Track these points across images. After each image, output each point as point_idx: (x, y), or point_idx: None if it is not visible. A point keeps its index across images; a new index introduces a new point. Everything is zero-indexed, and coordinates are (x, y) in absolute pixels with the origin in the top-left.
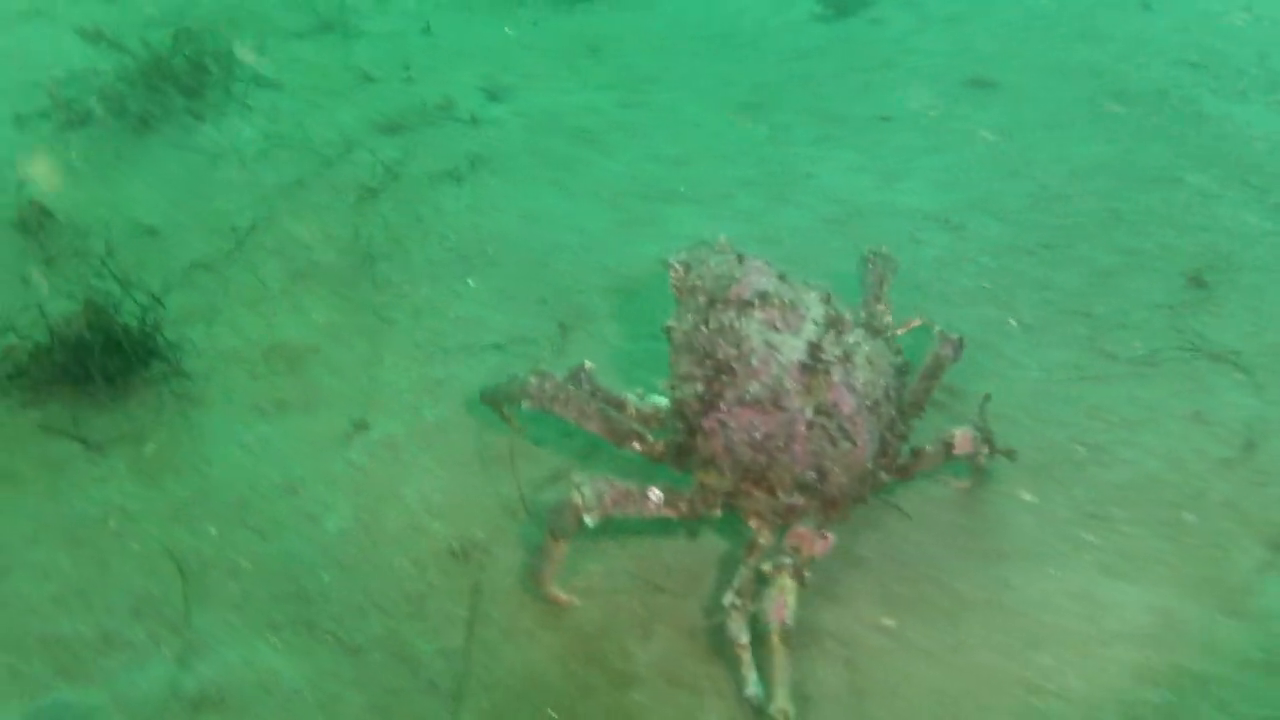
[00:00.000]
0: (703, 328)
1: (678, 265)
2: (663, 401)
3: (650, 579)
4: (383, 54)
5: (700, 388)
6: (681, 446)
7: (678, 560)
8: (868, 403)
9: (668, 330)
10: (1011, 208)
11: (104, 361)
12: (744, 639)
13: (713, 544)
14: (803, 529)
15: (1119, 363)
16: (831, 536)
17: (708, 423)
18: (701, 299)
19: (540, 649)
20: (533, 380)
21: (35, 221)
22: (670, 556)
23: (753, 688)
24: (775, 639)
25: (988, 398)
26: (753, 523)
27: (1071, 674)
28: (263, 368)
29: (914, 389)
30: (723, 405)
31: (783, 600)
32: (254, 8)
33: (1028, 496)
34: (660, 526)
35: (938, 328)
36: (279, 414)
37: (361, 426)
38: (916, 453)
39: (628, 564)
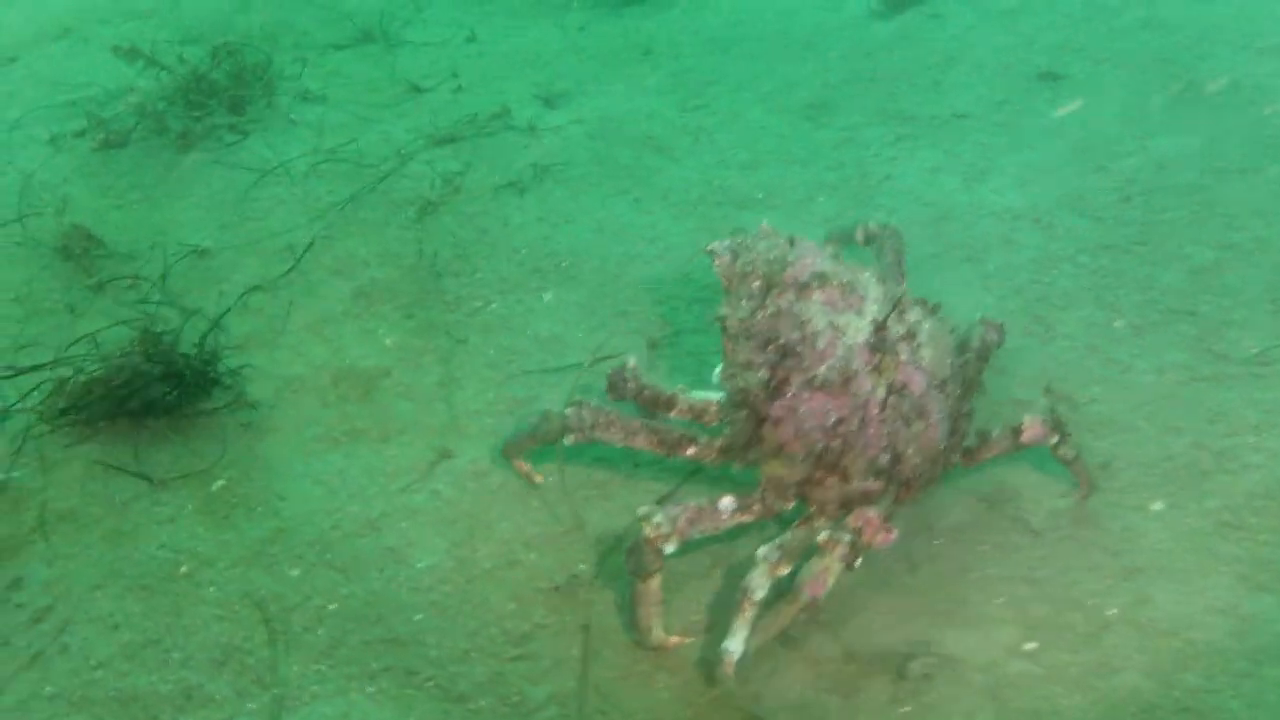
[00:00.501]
0: (760, 313)
1: (723, 252)
2: (713, 395)
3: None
4: (428, 64)
5: (764, 374)
6: (748, 439)
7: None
8: (935, 381)
9: (720, 319)
10: (1100, 204)
11: (163, 392)
12: (758, 596)
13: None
14: (871, 513)
15: (1232, 363)
16: (895, 531)
17: (776, 410)
18: (755, 284)
19: (661, 691)
20: (570, 413)
21: (80, 246)
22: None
23: (735, 643)
24: (794, 607)
25: (1049, 388)
26: (813, 508)
27: (1228, 695)
28: (332, 395)
29: (969, 384)
30: (790, 391)
31: (824, 578)
32: (289, 21)
33: (1157, 506)
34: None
35: (980, 315)
36: (353, 444)
37: (444, 454)
38: (983, 437)
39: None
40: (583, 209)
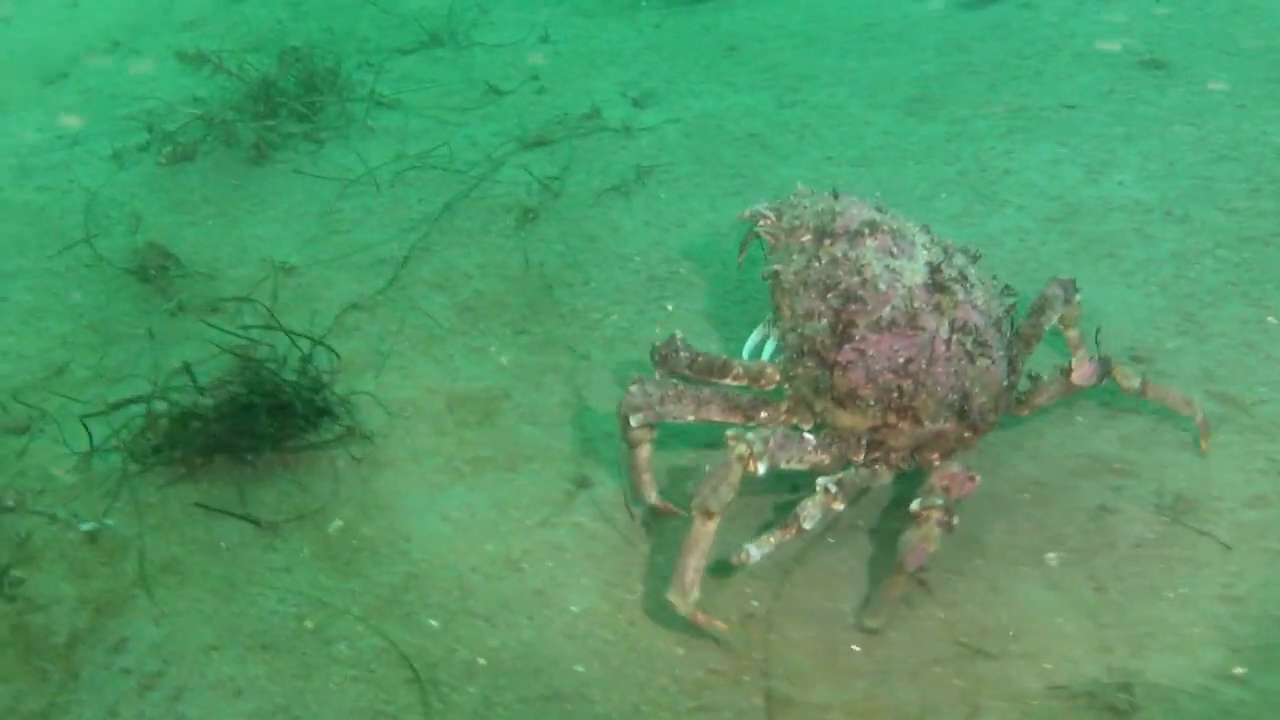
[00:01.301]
0: (816, 263)
1: (768, 212)
2: (764, 355)
3: (967, 640)
4: (503, 65)
5: (829, 320)
6: (816, 389)
7: (987, 613)
8: (991, 320)
9: (773, 274)
10: (1232, 194)
11: (266, 424)
12: (808, 525)
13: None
14: (954, 469)
15: None
16: (978, 477)
17: (844, 355)
18: (806, 238)
19: None
20: (634, 390)
21: (156, 266)
22: (977, 609)
23: (756, 548)
24: (902, 577)
25: (1100, 329)
26: (879, 453)
27: None
28: (449, 421)
29: (1023, 326)
30: (857, 334)
31: (925, 546)
32: (349, 27)
33: None
34: None
35: (1052, 278)
36: (478, 475)
37: (581, 483)
38: (1035, 381)
39: (938, 629)
40: (692, 212)
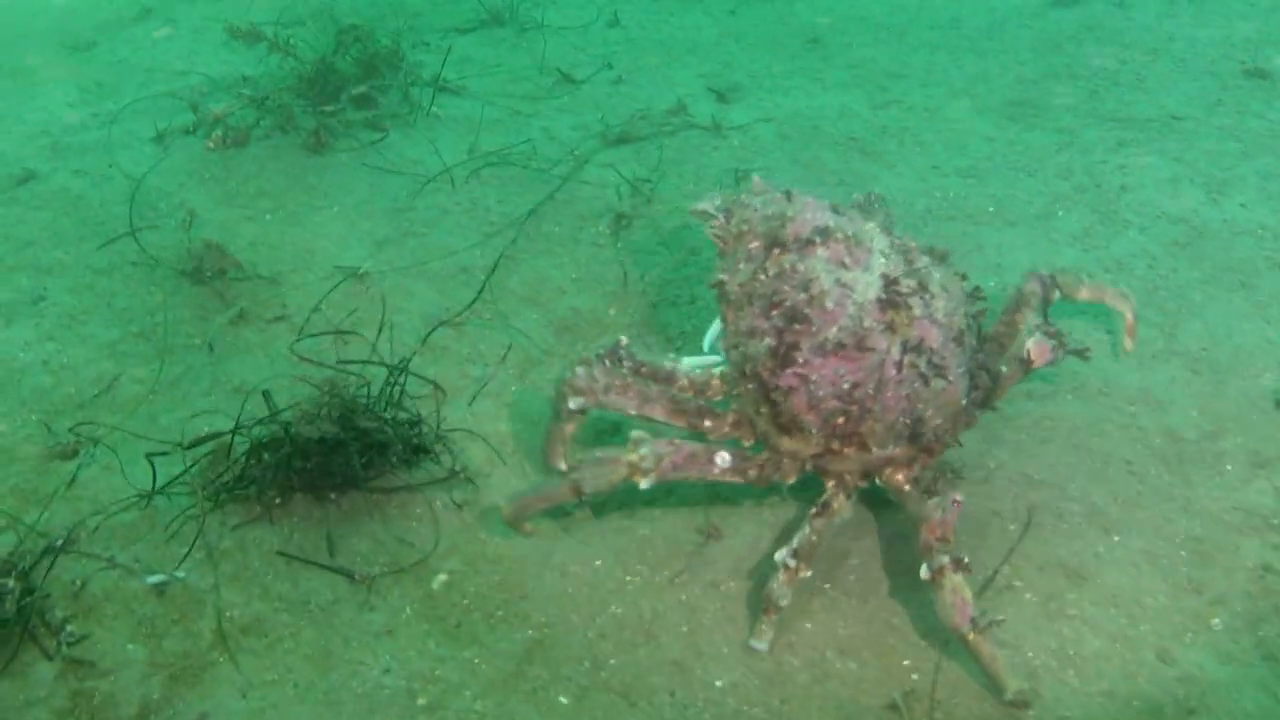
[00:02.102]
0: (762, 275)
1: (714, 212)
2: (711, 363)
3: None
4: (572, 50)
5: (771, 341)
6: (755, 412)
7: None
8: (953, 334)
9: (719, 284)
10: None
11: (357, 463)
12: (783, 603)
13: None
14: (936, 518)
15: None
16: (960, 498)
17: (785, 380)
18: (754, 244)
19: None
20: (580, 371)
21: (213, 267)
22: (1146, 680)
23: (762, 643)
24: (973, 638)
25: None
26: (830, 484)
27: None
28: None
29: (999, 324)
30: (800, 357)
31: (961, 600)
32: (399, 1)
33: None
34: None
35: (1028, 271)
36: (594, 523)
37: (710, 534)
38: (995, 377)
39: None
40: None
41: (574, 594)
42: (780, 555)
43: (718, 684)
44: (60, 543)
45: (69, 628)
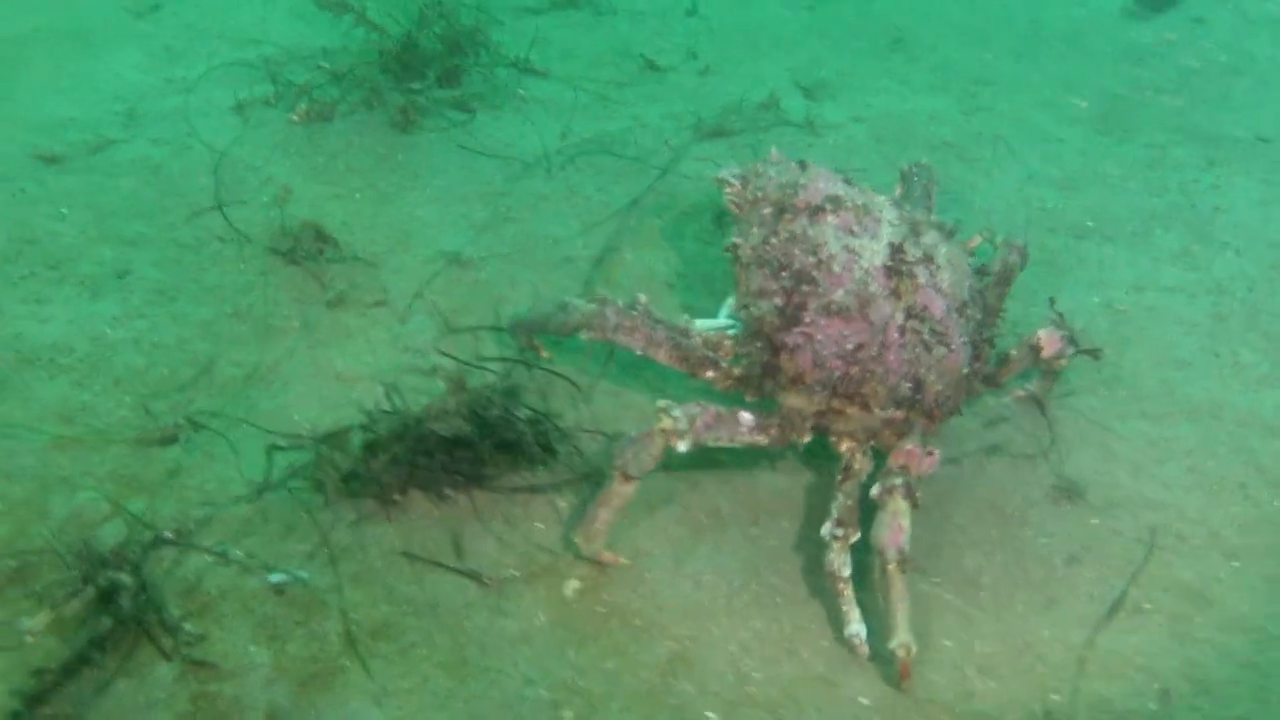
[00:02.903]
0: (773, 239)
1: (733, 180)
2: (724, 325)
3: None
4: (652, 37)
5: (779, 302)
6: (764, 369)
7: None
8: (955, 305)
9: (733, 248)
10: None
11: (488, 460)
12: (845, 573)
13: None
14: (909, 446)
15: None
16: (938, 453)
17: (791, 338)
18: (767, 210)
19: None
20: (594, 307)
21: (310, 248)
22: None
23: (855, 625)
24: (893, 567)
25: (1054, 300)
26: (843, 446)
27: None
28: (678, 462)
29: (990, 295)
30: (806, 318)
31: (898, 524)
32: None
33: None
34: None
35: (1000, 237)
36: (722, 530)
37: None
38: (1003, 358)
39: None
40: None
41: (710, 606)
42: (826, 530)
43: (863, 700)
44: (169, 535)
45: (186, 626)
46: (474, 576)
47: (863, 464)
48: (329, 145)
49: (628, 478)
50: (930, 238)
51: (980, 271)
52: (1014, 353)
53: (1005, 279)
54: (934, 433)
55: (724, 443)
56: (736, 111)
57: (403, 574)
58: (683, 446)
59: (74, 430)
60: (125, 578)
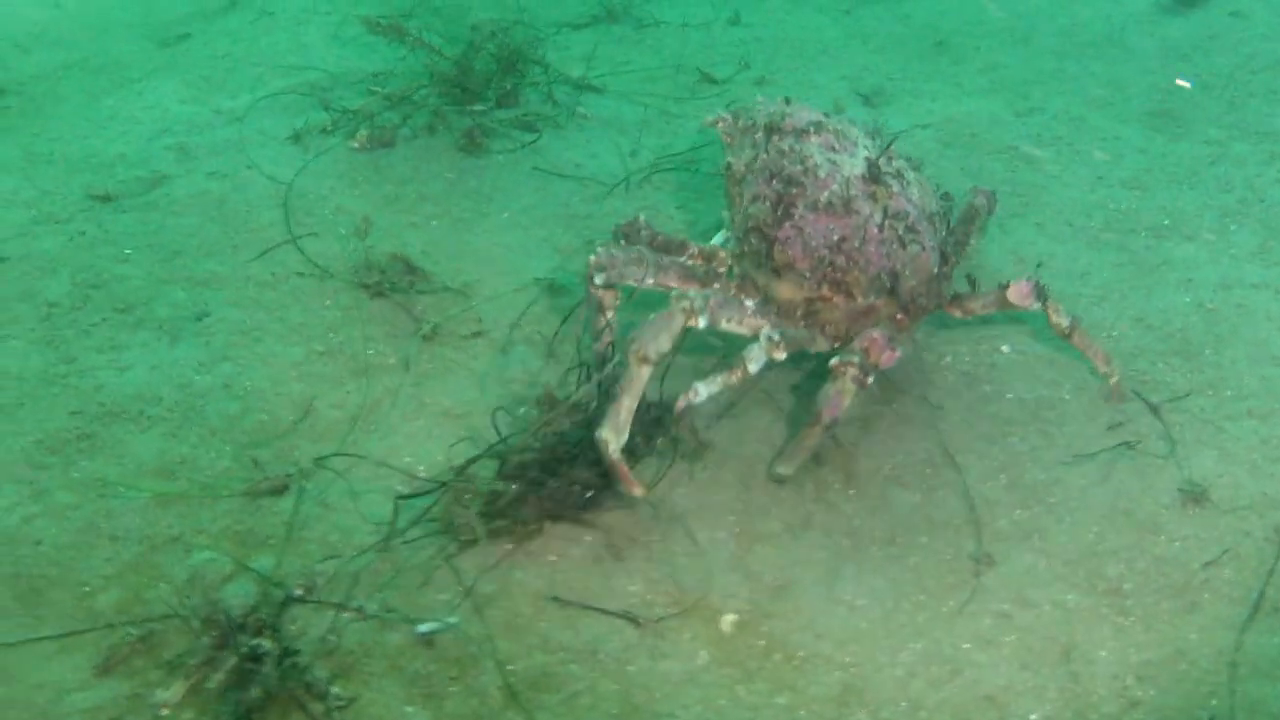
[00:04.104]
0: (764, 155)
1: (726, 116)
2: (718, 240)
3: None
4: (701, 49)
5: (772, 201)
6: (759, 262)
7: None
8: (925, 214)
9: (727, 167)
10: None
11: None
12: (753, 367)
13: None
14: (875, 333)
15: None
16: (899, 350)
17: (784, 232)
18: (758, 134)
19: None
20: (600, 251)
21: (401, 280)
22: None
23: (705, 386)
24: (819, 427)
25: (1040, 265)
26: (819, 335)
27: None
28: (809, 482)
29: (955, 232)
30: (796, 214)
31: (839, 399)
32: None
33: None
34: None
35: (972, 186)
36: (863, 551)
37: (984, 561)
38: (973, 284)
39: None
40: (987, 235)
41: (868, 629)
42: (767, 331)
43: (1033, 718)
44: (300, 593)
45: (335, 690)
46: (628, 618)
47: (821, 343)
48: (396, 172)
49: (645, 360)
50: (900, 163)
51: (944, 196)
52: (984, 287)
53: (971, 217)
54: (908, 333)
55: (732, 325)
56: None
57: (554, 619)
58: (701, 322)
59: (177, 485)
60: (266, 643)
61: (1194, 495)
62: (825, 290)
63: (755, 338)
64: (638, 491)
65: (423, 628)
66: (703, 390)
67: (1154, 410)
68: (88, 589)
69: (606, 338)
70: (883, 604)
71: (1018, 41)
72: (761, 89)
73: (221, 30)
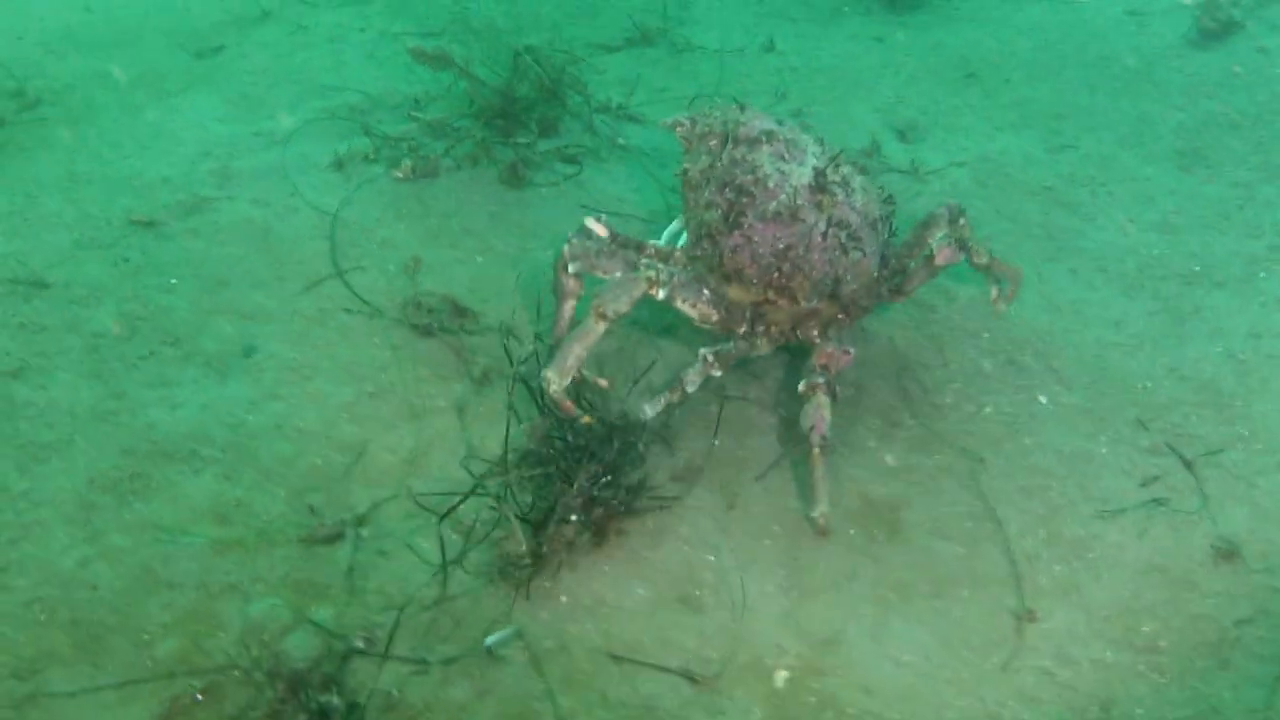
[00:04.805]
0: (718, 163)
1: (684, 120)
2: (675, 230)
3: None
4: (737, 76)
5: (723, 210)
6: (709, 265)
7: None
8: (868, 221)
9: (683, 172)
10: None
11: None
12: (690, 388)
13: None
14: (829, 348)
15: None
16: (853, 351)
17: (733, 240)
18: (713, 142)
19: None
20: (574, 242)
21: (451, 323)
22: None
23: (650, 407)
24: (816, 450)
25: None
26: (761, 333)
27: None
28: (858, 534)
29: (909, 236)
30: (746, 222)
31: (820, 414)
32: (535, 11)
33: None
34: None
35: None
36: (909, 604)
37: (1027, 617)
38: (905, 273)
39: None
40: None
41: (917, 685)
42: (704, 350)
43: None
44: (362, 645)
45: None
46: (685, 675)
47: (763, 347)
48: (440, 204)
49: (603, 317)
50: (847, 170)
51: (887, 201)
52: (913, 267)
53: (930, 224)
54: (849, 330)
55: (688, 307)
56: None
57: (612, 676)
58: (661, 294)
59: (233, 531)
60: (335, 699)
61: (1226, 552)
62: (771, 294)
63: (703, 325)
64: (577, 414)
65: (490, 639)
66: (649, 409)
67: (1188, 465)
68: (146, 637)
69: (566, 327)
70: (929, 659)
71: (1047, 74)
72: (797, 119)
73: (257, 43)
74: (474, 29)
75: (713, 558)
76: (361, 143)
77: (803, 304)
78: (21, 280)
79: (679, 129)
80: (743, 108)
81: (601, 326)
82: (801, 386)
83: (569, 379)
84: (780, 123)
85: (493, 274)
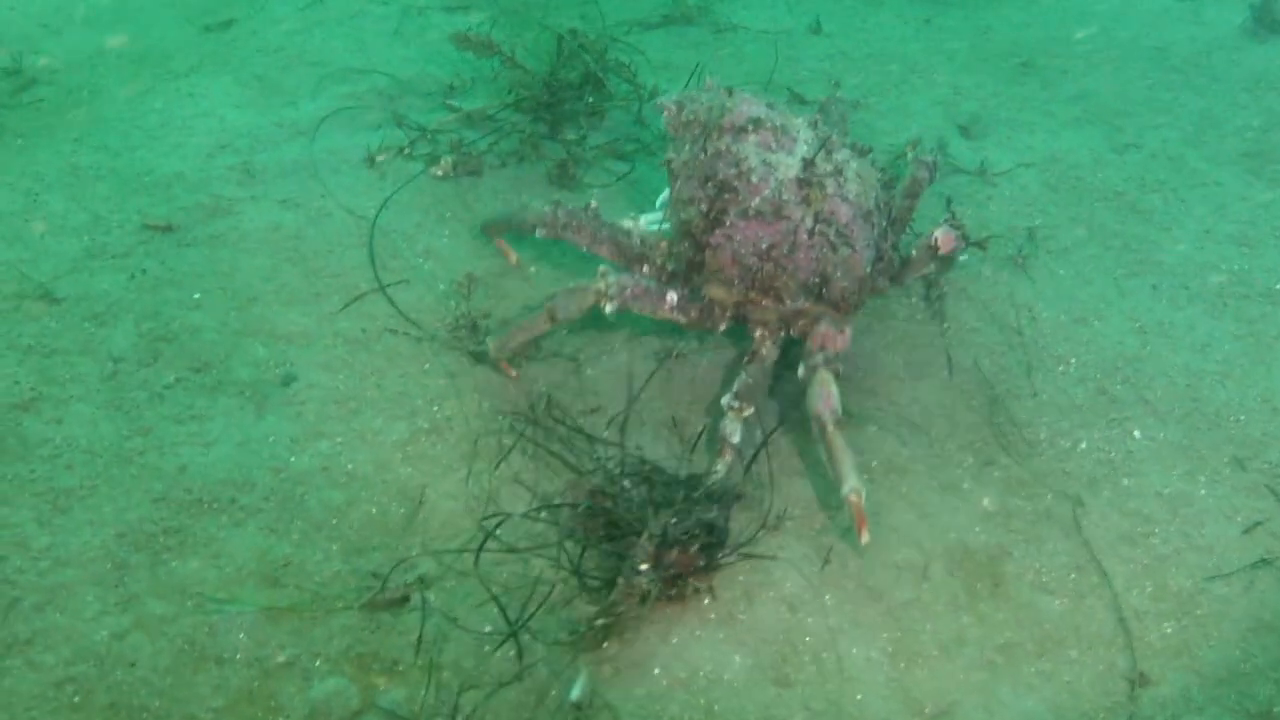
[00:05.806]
0: (701, 154)
1: (671, 105)
2: (658, 216)
3: None
4: (785, 62)
5: (704, 207)
6: (690, 264)
7: None
8: (861, 213)
9: (667, 162)
10: None
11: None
12: (735, 439)
13: None
14: (824, 329)
15: None
16: (849, 330)
17: (714, 239)
18: (697, 130)
19: None
20: (547, 209)
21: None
22: None
23: (721, 466)
24: (831, 429)
25: (950, 200)
26: (757, 333)
27: None
28: (959, 590)
29: (898, 208)
30: (727, 221)
31: (827, 392)
32: None
33: None
34: None
35: (911, 154)
36: (1016, 669)
37: (1140, 681)
38: (905, 260)
39: None
40: (1102, 298)
41: None
42: (725, 400)
43: None
44: None
45: None
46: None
47: (770, 352)
48: (485, 206)
49: (553, 319)
50: (842, 155)
51: (887, 185)
52: (914, 253)
53: (913, 192)
54: (842, 321)
55: (646, 313)
56: (904, 158)
57: None
58: (609, 309)
59: (285, 595)
60: None
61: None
62: (754, 295)
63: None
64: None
65: (574, 693)
66: (721, 469)
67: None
68: None
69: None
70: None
71: (1104, 65)
72: (857, 114)
73: (269, 18)
74: (502, 3)
75: (811, 619)
76: (394, 135)
77: (788, 304)
78: (27, 294)
79: (666, 114)
80: (730, 92)
81: (549, 326)
82: (802, 371)
83: (505, 355)
84: (771, 106)
85: (548, 289)
